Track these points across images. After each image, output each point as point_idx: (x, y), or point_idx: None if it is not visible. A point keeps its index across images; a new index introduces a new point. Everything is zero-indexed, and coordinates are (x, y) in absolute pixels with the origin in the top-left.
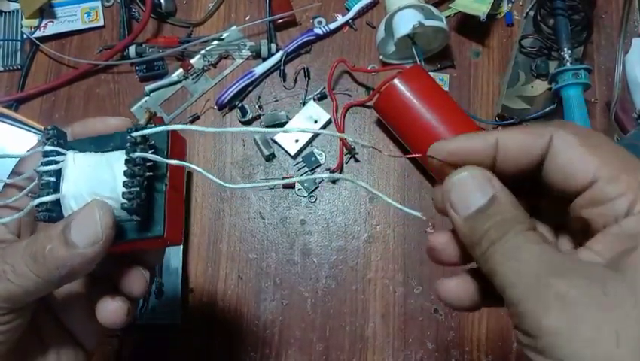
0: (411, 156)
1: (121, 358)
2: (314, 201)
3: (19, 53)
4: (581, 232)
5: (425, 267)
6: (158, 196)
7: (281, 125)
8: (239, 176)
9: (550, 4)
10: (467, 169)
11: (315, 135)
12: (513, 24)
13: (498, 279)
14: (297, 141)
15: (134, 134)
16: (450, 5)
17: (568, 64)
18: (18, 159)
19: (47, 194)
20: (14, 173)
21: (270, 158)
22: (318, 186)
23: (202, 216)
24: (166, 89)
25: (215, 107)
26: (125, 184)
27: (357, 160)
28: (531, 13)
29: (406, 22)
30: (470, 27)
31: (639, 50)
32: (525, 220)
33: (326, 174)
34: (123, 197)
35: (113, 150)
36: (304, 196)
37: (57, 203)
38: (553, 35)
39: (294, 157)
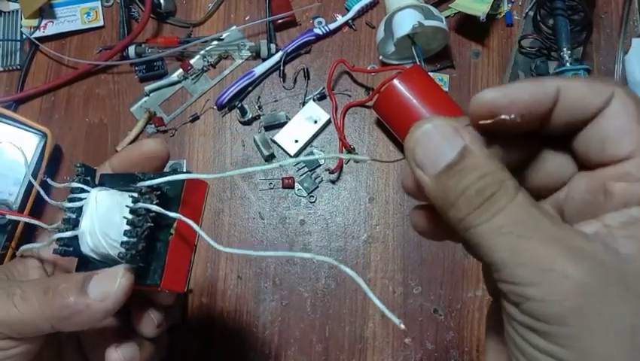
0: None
1: None
2: (313, 202)
3: (18, 53)
4: (592, 205)
5: (424, 267)
6: (160, 246)
7: (281, 125)
8: (238, 176)
9: (549, 5)
10: (429, 120)
11: (315, 135)
12: (513, 24)
13: (490, 255)
14: (296, 141)
15: (139, 184)
16: (450, 5)
17: (568, 64)
18: (33, 163)
19: (67, 230)
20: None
21: (270, 158)
22: (317, 187)
23: (202, 216)
24: (165, 89)
25: (215, 107)
26: (125, 233)
27: (356, 161)
28: (531, 13)
29: (405, 22)
30: (469, 27)
31: (639, 50)
32: (509, 178)
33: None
34: (121, 245)
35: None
36: (304, 196)
37: (75, 238)
38: (552, 35)
39: (294, 157)
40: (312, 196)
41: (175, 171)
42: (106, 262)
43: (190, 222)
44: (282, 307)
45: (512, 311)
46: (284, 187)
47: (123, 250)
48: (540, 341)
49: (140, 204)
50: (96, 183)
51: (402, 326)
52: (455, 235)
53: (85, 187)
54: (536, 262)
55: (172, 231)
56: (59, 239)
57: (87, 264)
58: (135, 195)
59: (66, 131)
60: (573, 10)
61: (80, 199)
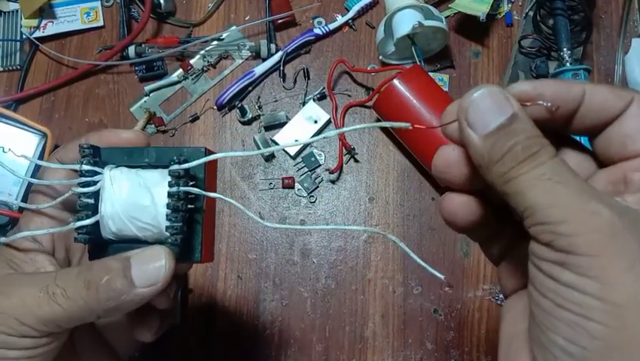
0: (434, 127)
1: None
2: (313, 202)
3: (18, 53)
4: (612, 195)
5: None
6: (196, 224)
7: (281, 125)
8: (238, 176)
9: (549, 5)
10: (485, 86)
11: (315, 135)
12: (513, 24)
13: (527, 200)
14: (296, 141)
15: (174, 167)
16: (450, 5)
17: (568, 64)
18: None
19: (87, 216)
20: (39, 178)
21: (270, 158)
22: (317, 187)
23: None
24: (165, 90)
25: (215, 107)
26: (169, 218)
27: (356, 160)
28: (531, 13)
29: (405, 22)
30: (469, 27)
31: (639, 50)
32: (550, 144)
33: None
34: (167, 230)
35: (148, 167)
36: (304, 196)
37: (96, 223)
38: (552, 35)
39: (294, 157)
40: (312, 196)
41: (195, 149)
42: (127, 242)
43: (235, 202)
44: (282, 307)
45: (541, 251)
46: (284, 187)
47: (168, 234)
48: (566, 274)
49: (183, 188)
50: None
51: (443, 277)
52: (479, 228)
53: (97, 169)
54: (571, 202)
55: (204, 207)
56: (79, 227)
57: (105, 246)
58: (169, 178)
59: (66, 131)
60: (573, 10)
61: (94, 182)
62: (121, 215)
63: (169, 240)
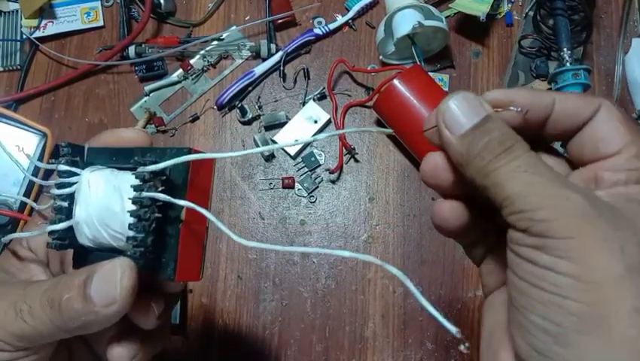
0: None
1: None
2: (314, 202)
3: (18, 53)
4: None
5: (424, 267)
6: (170, 238)
7: (281, 125)
8: (238, 176)
9: (549, 5)
10: (460, 92)
11: (315, 135)
12: (513, 24)
13: (505, 190)
14: (296, 140)
15: (139, 169)
16: (450, 5)
17: (568, 64)
18: (34, 164)
19: (60, 220)
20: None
21: (270, 158)
22: (317, 187)
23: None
24: (165, 90)
25: (215, 107)
26: (130, 227)
27: (357, 160)
28: (531, 13)
29: (405, 22)
30: (469, 27)
31: (639, 50)
32: (523, 141)
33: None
34: (128, 241)
35: (132, 168)
36: (304, 196)
37: (71, 228)
38: (552, 35)
39: (294, 157)
40: (312, 196)
41: (178, 150)
42: (107, 251)
43: (204, 211)
44: (282, 307)
45: (519, 237)
46: (284, 187)
47: (130, 246)
48: (543, 256)
49: (145, 194)
50: (85, 160)
51: (459, 335)
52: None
53: (74, 169)
54: (545, 190)
55: (182, 217)
56: (51, 232)
57: (86, 254)
58: (137, 181)
59: (66, 131)
60: (573, 10)
61: (71, 184)
62: (94, 221)
63: (129, 253)
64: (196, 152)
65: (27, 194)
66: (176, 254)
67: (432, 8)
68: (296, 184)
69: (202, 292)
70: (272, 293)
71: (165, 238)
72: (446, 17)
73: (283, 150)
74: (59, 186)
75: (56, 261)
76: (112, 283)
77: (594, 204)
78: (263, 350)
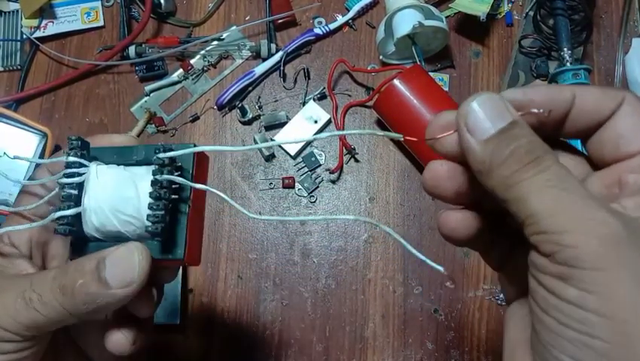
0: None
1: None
2: (314, 202)
3: (19, 53)
4: (608, 198)
5: (425, 267)
6: (181, 218)
7: (281, 125)
8: (238, 176)
9: (549, 5)
10: (483, 93)
11: (315, 135)
12: (513, 24)
13: (530, 206)
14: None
15: (161, 155)
16: (450, 5)
17: (568, 64)
18: (34, 164)
19: (69, 207)
20: (32, 180)
21: (270, 158)
22: (318, 187)
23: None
24: (165, 90)
25: (215, 107)
26: (150, 207)
27: (357, 160)
28: (531, 13)
29: (406, 22)
30: (470, 27)
31: (639, 50)
32: (551, 150)
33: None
34: (148, 219)
35: (136, 164)
36: (304, 196)
37: (77, 217)
38: (552, 35)
39: (294, 157)
40: (313, 196)
41: (186, 144)
42: (109, 240)
43: (220, 192)
44: (283, 307)
45: (543, 263)
46: (284, 187)
47: (149, 223)
48: (569, 290)
49: (165, 176)
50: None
51: (444, 271)
52: (477, 239)
53: (83, 161)
54: (576, 211)
55: (190, 203)
56: (60, 218)
57: (85, 243)
58: (155, 167)
59: (66, 131)
60: (573, 10)
61: (79, 174)
62: (104, 208)
63: (150, 228)
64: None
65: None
66: (186, 235)
67: (432, 8)
68: (296, 184)
69: (202, 292)
70: (273, 293)
71: (176, 221)
72: (446, 17)
73: (283, 149)
74: (68, 175)
75: (39, 256)
76: (129, 264)
77: (628, 230)
78: (263, 350)
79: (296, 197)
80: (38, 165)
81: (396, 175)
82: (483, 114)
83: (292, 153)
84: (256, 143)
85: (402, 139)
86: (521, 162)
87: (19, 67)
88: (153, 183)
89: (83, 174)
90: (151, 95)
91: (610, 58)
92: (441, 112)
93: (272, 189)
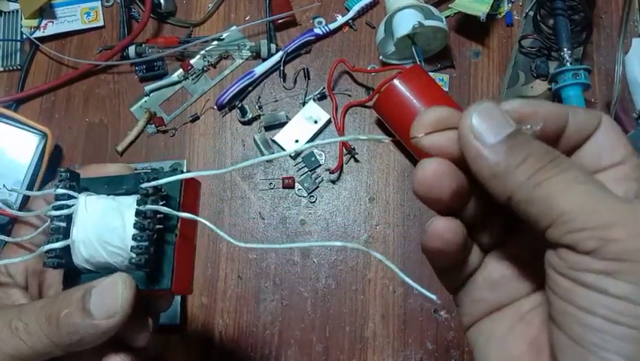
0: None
1: None
2: (314, 202)
3: (19, 53)
4: None
5: (424, 267)
6: (167, 248)
7: (281, 125)
8: (238, 176)
9: (549, 5)
10: (485, 102)
11: (315, 135)
12: (513, 24)
13: (563, 203)
14: (296, 141)
15: (143, 185)
16: (450, 5)
17: (568, 64)
18: (33, 165)
19: (57, 240)
20: (27, 210)
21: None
22: (318, 187)
23: (202, 216)
24: (165, 90)
25: (215, 107)
26: (134, 237)
27: (357, 160)
28: (531, 13)
29: (406, 22)
30: (469, 27)
31: (639, 50)
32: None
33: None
34: (132, 251)
35: (125, 193)
36: (304, 196)
37: (67, 248)
38: (552, 35)
39: (294, 157)
40: (313, 196)
41: (173, 170)
42: (101, 271)
43: (207, 222)
44: (282, 307)
45: (582, 262)
46: (284, 187)
47: (133, 255)
48: (619, 285)
49: (149, 206)
50: (79, 186)
51: (439, 301)
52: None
53: (72, 193)
54: (615, 204)
55: (177, 232)
56: (49, 251)
57: (77, 275)
58: (139, 197)
59: (66, 131)
60: (573, 10)
61: (68, 206)
62: (92, 239)
63: (133, 260)
64: (188, 171)
65: (26, 196)
66: (173, 265)
67: (432, 8)
68: (296, 184)
69: (202, 292)
70: (273, 293)
71: (162, 251)
72: (446, 17)
73: (283, 149)
74: (57, 208)
75: (35, 285)
76: (113, 295)
77: None
78: (263, 350)
79: (296, 197)
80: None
81: (396, 175)
82: (489, 120)
83: (292, 153)
84: (256, 143)
85: (387, 141)
86: (541, 162)
87: (19, 67)
88: (137, 213)
89: (73, 205)
90: (151, 95)
91: (610, 58)
92: (429, 108)
93: (272, 189)
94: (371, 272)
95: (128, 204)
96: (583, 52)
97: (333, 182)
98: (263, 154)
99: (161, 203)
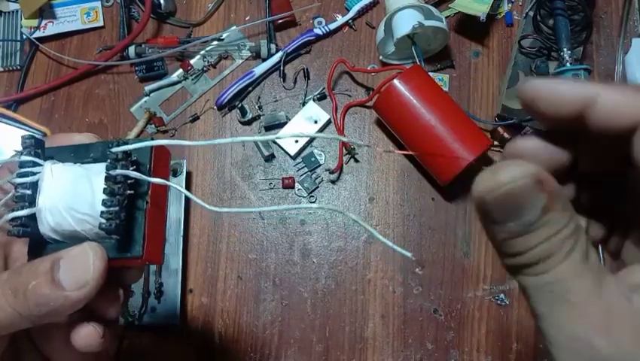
0: (407, 153)
1: (120, 359)
2: (314, 202)
3: (18, 54)
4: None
5: (424, 267)
6: (138, 215)
7: (281, 125)
8: (238, 176)
9: (549, 5)
10: (515, 165)
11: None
12: (513, 24)
13: (532, 305)
14: (296, 141)
15: (114, 149)
16: (450, 5)
17: (568, 64)
18: None
19: (22, 208)
20: None
21: (270, 158)
22: (317, 187)
23: (202, 216)
24: (165, 90)
25: (215, 107)
26: (104, 203)
27: (356, 160)
28: (531, 13)
29: (405, 22)
30: (469, 27)
31: (639, 50)
32: (573, 233)
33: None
34: (102, 216)
35: (93, 162)
36: (304, 197)
37: (33, 217)
38: (552, 35)
39: (294, 158)
40: (312, 196)
41: (142, 139)
42: (68, 241)
43: (178, 186)
44: (282, 307)
45: None
46: (284, 187)
47: (103, 220)
48: None
49: (119, 170)
50: (45, 155)
51: (412, 257)
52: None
53: (37, 160)
54: (568, 328)
55: (148, 199)
56: (13, 219)
57: (43, 246)
58: (109, 161)
59: (66, 131)
60: (573, 10)
61: (33, 173)
62: (59, 207)
63: (104, 225)
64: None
65: None
66: (144, 232)
67: (432, 8)
68: (296, 184)
69: (202, 292)
70: (272, 293)
71: (133, 218)
72: (446, 17)
73: (283, 150)
74: (22, 175)
75: (1, 258)
76: (83, 265)
77: (627, 345)
78: (263, 350)
79: (296, 197)
80: None
81: (396, 175)
82: (512, 200)
83: (292, 153)
84: (256, 143)
85: (369, 146)
86: (533, 259)
87: (18, 67)
88: (107, 178)
89: (38, 173)
90: (151, 95)
91: (610, 58)
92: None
93: (272, 189)
94: (371, 272)
95: (96, 171)
96: (583, 52)
97: (333, 182)
98: (263, 154)
99: (132, 169)
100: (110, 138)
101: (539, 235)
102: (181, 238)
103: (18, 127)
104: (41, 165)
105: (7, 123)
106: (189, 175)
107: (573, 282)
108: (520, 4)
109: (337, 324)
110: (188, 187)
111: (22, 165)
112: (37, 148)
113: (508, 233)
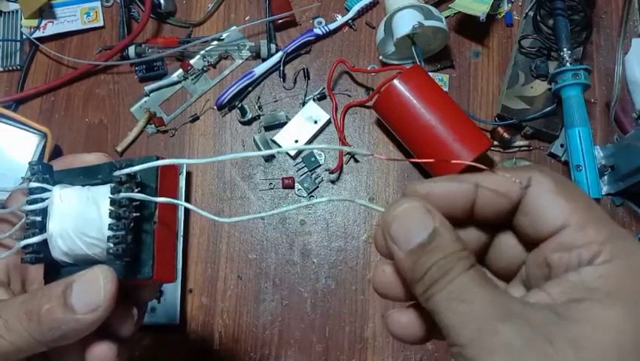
0: (412, 160)
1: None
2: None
3: (18, 54)
4: (540, 279)
5: None
6: (146, 236)
7: (281, 125)
8: (238, 176)
9: (549, 5)
10: (407, 200)
11: (315, 135)
12: (513, 24)
13: (442, 320)
14: (296, 141)
15: (116, 173)
16: (450, 5)
17: (568, 64)
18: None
19: (33, 235)
20: (3, 207)
21: (270, 159)
22: (317, 187)
23: (202, 216)
24: (165, 90)
25: (215, 107)
26: (110, 227)
27: (356, 160)
28: (531, 13)
29: (405, 22)
30: (469, 27)
31: (639, 50)
32: (467, 256)
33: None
34: (109, 241)
35: (102, 183)
36: (304, 197)
37: (45, 243)
38: (552, 36)
39: (294, 158)
40: (312, 196)
41: (147, 157)
42: (81, 264)
43: (186, 203)
44: (282, 307)
45: None
46: (284, 187)
47: (111, 245)
48: None
49: (123, 194)
50: (53, 179)
51: (370, 154)
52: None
53: (45, 186)
54: (473, 323)
55: (155, 219)
56: (26, 246)
57: (58, 269)
58: (113, 185)
59: (66, 131)
60: (573, 10)
61: (42, 199)
62: (69, 231)
63: (111, 250)
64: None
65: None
66: (153, 253)
67: (432, 8)
68: (296, 184)
69: (202, 292)
70: (272, 293)
71: (141, 239)
72: (446, 17)
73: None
74: (31, 202)
75: (18, 281)
76: (94, 289)
77: (523, 332)
78: (263, 350)
79: (296, 197)
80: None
81: (395, 175)
82: (406, 224)
83: (292, 154)
84: (256, 143)
85: (372, 155)
86: (433, 279)
87: (18, 67)
88: (112, 202)
89: (47, 199)
90: (151, 95)
91: (610, 58)
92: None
93: (272, 189)
94: (371, 272)
95: (103, 194)
96: (583, 52)
97: (333, 182)
98: (264, 156)
99: (136, 190)
100: (110, 137)
101: (434, 255)
102: (181, 238)
103: (18, 127)
104: (49, 191)
105: (7, 123)
106: (189, 175)
107: (470, 290)
108: (520, 4)
109: (337, 324)
110: (188, 187)
111: (31, 191)
112: (44, 174)
113: (410, 254)
